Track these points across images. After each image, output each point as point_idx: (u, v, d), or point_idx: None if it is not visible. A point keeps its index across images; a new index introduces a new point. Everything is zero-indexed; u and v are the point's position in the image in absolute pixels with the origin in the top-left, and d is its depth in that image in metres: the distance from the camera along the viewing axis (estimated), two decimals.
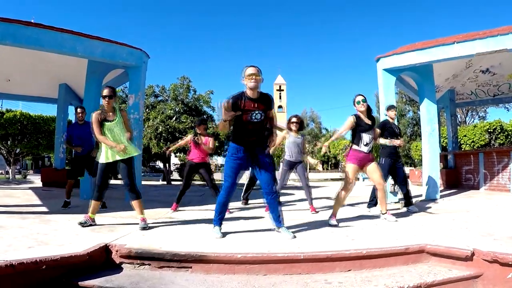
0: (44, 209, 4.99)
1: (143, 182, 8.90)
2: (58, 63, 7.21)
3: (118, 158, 3.71)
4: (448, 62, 6.79)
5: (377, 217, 4.30)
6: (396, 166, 5.07)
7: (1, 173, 22.35)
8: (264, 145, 3.40)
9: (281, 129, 5.11)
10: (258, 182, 3.64)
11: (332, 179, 21.94)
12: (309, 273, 2.54)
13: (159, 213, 4.75)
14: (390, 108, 5.27)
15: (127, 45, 6.18)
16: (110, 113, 3.75)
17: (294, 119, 5.19)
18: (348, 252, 2.63)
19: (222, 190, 3.37)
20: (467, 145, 15.66)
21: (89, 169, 5.22)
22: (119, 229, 3.48)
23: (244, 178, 6.35)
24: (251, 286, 2.30)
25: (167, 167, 16.23)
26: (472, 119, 25.45)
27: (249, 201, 5.90)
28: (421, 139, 7.16)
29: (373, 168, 4.03)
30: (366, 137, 3.95)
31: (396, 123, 5.67)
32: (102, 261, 2.65)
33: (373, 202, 4.97)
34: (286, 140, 5.19)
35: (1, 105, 22.75)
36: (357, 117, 3.98)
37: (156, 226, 3.74)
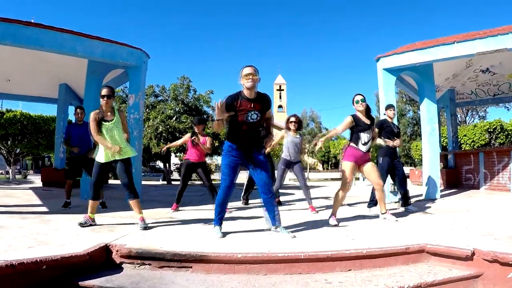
0: (44, 209, 4.99)
1: (143, 182, 8.91)
2: (58, 63, 7.22)
3: (117, 158, 3.71)
4: (448, 62, 6.78)
5: (377, 216, 4.30)
6: (395, 165, 5.07)
7: (1, 173, 22.36)
8: (260, 146, 3.39)
9: (279, 128, 5.12)
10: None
11: (332, 179, 21.94)
12: (310, 273, 2.54)
13: (160, 213, 4.75)
14: (388, 107, 5.27)
15: (127, 45, 6.19)
16: (109, 113, 3.75)
17: (292, 119, 5.20)
18: (348, 252, 2.63)
19: (220, 189, 3.36)
20: (467, 145, 15.66)
21: (86, 169, 5.20)
22: (119, 229, 3.48)
23: (244, 178, 6.38)
24: (251, 286, 2.30)
25: (167, 167, 16.23)
26: (472, 119, 25.44)
27: (249, 201, 5.89)
28: (421, 138, 7.16)
29: (370, 169, 4.02)
30: (364, 136, 3.94)
31: (396, 122, 5.67)
32: (102, 261, 2.65)
33: (373, 201, 4.96)
34: (284, 140, 5.19)
35: (1, 105, 22.76)
36: (355, 117, 3.97)
37: (156, 226, 3.74)
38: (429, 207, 5.33)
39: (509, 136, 15.56)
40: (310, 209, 4.96)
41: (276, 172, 5.57)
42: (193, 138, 5.08)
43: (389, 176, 5.29)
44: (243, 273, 2.52)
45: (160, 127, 13.00)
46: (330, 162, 44.01)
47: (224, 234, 3.24)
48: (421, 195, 6.79)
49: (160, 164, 27.34)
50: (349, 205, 5.72)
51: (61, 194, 5.28)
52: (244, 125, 3.24)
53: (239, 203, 5.82)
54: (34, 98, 10.44)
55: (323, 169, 46.27)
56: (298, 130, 5.20)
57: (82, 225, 3.57)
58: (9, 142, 15.04)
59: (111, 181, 11.79)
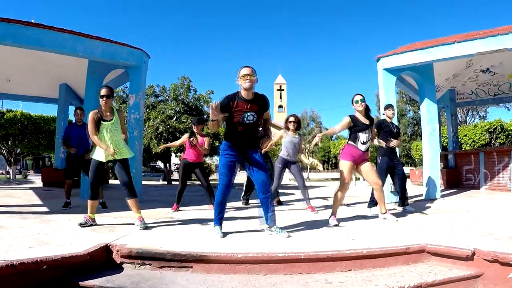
0: (44, 209, 4.99)
1: (144, 182, 8.90)
2: (58, 63, 7.22)
3: (116, 157, 3.71)
4: (449, 62, 6.78)
5: (377, 217, 4.30)
6: (394, 165, 5.06)
7: (2, 173, 22.37)
8: (257, 146, 3.39)
9: (279, 128, 5.12)
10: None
11: (333, 179, 21.94)
12: (310, 273, 2.54)
13: (160, 213, 4.75)
14: (387, 107, 5.26)
15: (127, 45, 6.19)
16: (108, 113, 3.76)
17: (291, 118, 5.20)
18: (348, 252, 2.63)
19: (218, 189, 3.36)
20: (468, 145, 15.65)
21: (84, 170, 5.19)
22: (120, 229, 3.49)
23: (243, 178, 6.38)
24: (251, 286, 2.30)
25: (168, 167, 16.22)
26: (473, 119, 25.43)
27: (250, 201, 5.89)
28: (421, 138, 7.16)
29: (368, 168, 4.01)
30: (363, 136, 3.93)
31: (396, 122, 5.66)
32: (102, 261, 2.65)
33: (373, 201, 4.95)
34: (283, 139, 5.19)
35: (2, 105, 22.77)
36: (353, 118, 3.97)
37: (156, 226, 3.74)
38: (429, 207, 5.33)
39: (510, 136, 15.55)
40: (309, 209, 4.96)
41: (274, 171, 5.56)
42: (191, 139, 5.09)
43: (389, 176, 5.29)
44: (243, 273, 2.52)
45: (161, 127, 13.00)
46: (330, 162, 44.02)
47: (225, 234, 3.24)
48: (421, 195, 6.79)
49: (160, 164, 27.33)
50: (348, 205, 5.71)
51: (62, 194, 5.29)
52: (240, 125, 3.24)
53: (239, 203, 5.82)
54: (34, 98, 10.45)
55: (323, 169, 46.29)
56: (297, 130, 5.20)
57: (82, 225, 3.57)
58: (9, 142, 15.05)
59: (111, 181, 11.79)
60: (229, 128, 3.33)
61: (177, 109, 13.76)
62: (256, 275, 2.50)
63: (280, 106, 50.60)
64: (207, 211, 4.92)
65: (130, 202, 3.73)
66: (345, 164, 3.92)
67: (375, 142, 4.54)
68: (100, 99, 3.70)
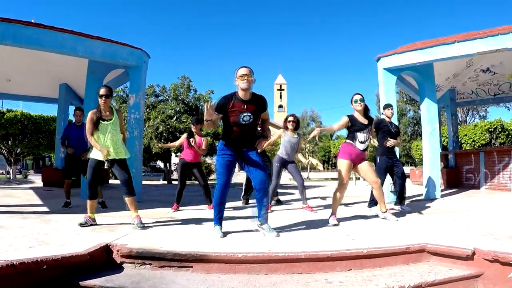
0: (44, 209, 4.99)
1: (144, 182, 8.91)
2: (59, 63, 7.22)
3: (113, 157, 3.72)
4: (449, 62, 6.78)
5: (377, 216, 4.30)
6: (393, 164, 5.05)
7: (2, 173, 22.38)
8: (253, 146, 3.38)
9: (279, 127, 5.12)
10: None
11: (333, 179, 21.92)
12: (310, 272, 2.54)
13: (160, 213, 4.76)
14: (386, 107, 5.26)
15: (128, 45, 6.19)
16: (107, 113, 3.76)
17: (290, 118, 5.19)
18: (348, 252, 2.63)
19: (216, 188, 3.36)
20: (468, 145, 15.63)
21: (83, 169, 5.19)
22: (120, 229, 3.49)
23: (242, 178, 6.38)
24: (252, 286, 2.30)
25: (168, 166, 16.22)
26: (473, 119, 25.39)
27: (250, 201, 5.89)
28: (421, 138, 7.15)
29: (366, 167, 4.00)
30: (361, 136, 3.93)
31: (396, 122, 5.66)
32: (103, 261, 2.65)
33: (373, 201, 4.95)
34: (281, 139, 5.19)
35: (2, 105, 22.79)
36: (352, 118, 3.97)
37: (157, 226, 3.74)
38: (429, 206, 5.33)
39: (510, 136, 15.54)
40: (307, 208, 4.95)
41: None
42: (190, 139, 5.09)
43: (389, 176, 5.29)
44: (243, 272, 2.52)
45: (161, 127, 13.00)
46: (330, 162, 44.00)
47: (225, 234, 3.24)
48: (421, 194, 6.79)
49: (160, 164, 27.33)
50: (346, 205, 5.69)
51: (62, 194, 5.29)
52: (236, 126, 3.24)
53: (239, 203, 5.82)
54: (34, 98, 10.46)
55: (324, 169, 46.29)
56: (296, 130, 5.20)
57: (82, 225, 3.57)
58: (9, 142, 15.06)
59: (111, 181, 11.79)
60: (226, 128, 3.33)
61: (177, 109, 13.76)
62: (256, 274, 2.50)
63: (280, 106, 50.62)
64: (207, 211, 4.92)
65: (128, 200, 3.73)
66: (343, 163, 3.91)
67: (371, 142, 4.53)
68: (99, 99, 3.70)
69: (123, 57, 6.11)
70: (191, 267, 2.56)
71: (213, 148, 12.65)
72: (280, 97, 50.95)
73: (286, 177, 18.42)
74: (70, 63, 6.87)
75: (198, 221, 4.11)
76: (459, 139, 13.58)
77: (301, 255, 2.58)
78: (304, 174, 24.92)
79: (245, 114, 3.19)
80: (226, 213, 3.68)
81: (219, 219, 3.36)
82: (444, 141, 12.57)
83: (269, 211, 4.95)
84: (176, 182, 15.54)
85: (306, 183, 5.50)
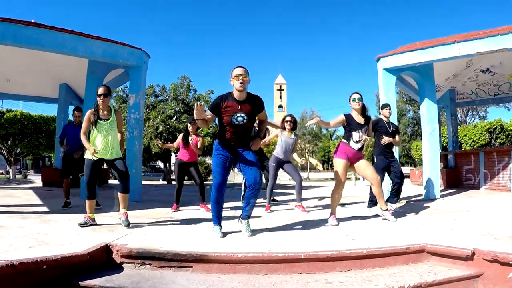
0: (44, 209, 4.99)
1: (144, 182, 8.90)
2: (59, 63, 7.22)
3: (103, 157, 3.74)
4: (449, 62, 6.78)
5: (377, 216, 4.30)
6: (391, 163, 5.04)
7: (2, 173, 22.37)
8: (248, 146, 3.38)
9: (276, 127, 5.11)
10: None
11: (332, 179, 21.93)
12: (310, 272, 2.54)
13: (160, 213, 4.75)
14: (384, 107, 5.25)
15: (128, 45, 6.19)
16: (105, 112, 3.77)
17: (288, 118, 5.19)
18: (348, 252, 2.63)
19: (212, 188, 3.36)
20: (468, 145, 15.64)
21: (80, 168, 5.17)
22: (120, 229, 3.49)
23: (242, 178, 6.37)
24: (251, 286, 2.30)
25: (168, 166, 16.22)
26: (473, 119, 25.40)
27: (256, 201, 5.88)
28: (421, 138, 7.15)
29: (364, 165, 4.00)
30: (356, 135, 3.92)
31: (396, 122, 5.65)
32: (102, 261, 2.65)
33: (373, 201, 4.95)
34: (278, 138, 5.19)
35: (2, 105, 22.78)
36: (348, 117, 3.97)
37: (156, 226, 3.74)
38: (429, 207, 5.33)
39: (510, 136, 15.54)
40: (300, 207, 4.96)
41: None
42: (186, 138, 5.10)
43: (389, 176, 5.28)
44: (243, 273, 2.52)
45: (161, 127, 13.00)
46: (330, 162, 43.97)
47: (224, 234, 3.24)
48: (421, 195, 6.79)
49: (160, 164, 27.34)
50: (342, 205, 5.66)
51: (61, 194, 5.29)
52: (230, 126, 3.24)
53: (239, 203, 5.82)
54: (34, 98, 10.46)
55: (323, 169, 46.32)
56: (293, 130, 5.19)
57: (82, 225, 3.57)
58: (9, 142, 15.06)
59: (111, 181, 11.79)
60: (221, 128, 3.35)
61: (177, 109, 13.76)
62: (256, 275, 2.50)
63: (280, 106, 50.64)
64: (207, 211, 4.92)
65: (121, 196, 3.76)
66: (339, 162, 3.91)
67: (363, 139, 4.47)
68: (98, 98, 3.71)
69: (123, 57, 6.11)
70: (191, 267, 2.56)
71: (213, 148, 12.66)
72: (280, 97, 50.96)
73: (286, 177, 18.41)
74: (70, 63, 6.87)
75: (198, 221, 4.11)
76: (459, 139, 13.59)
77: (301, 255, 2.58)
78: (304, 174, 24.92)
79: (238, 115, 3.18)
80: (226, 213, 3.68)
81: (218, 218, 3.36)
82: (444, 141, 12.59)
83: (268, 211, 4.97)
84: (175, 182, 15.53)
85: (305, 183, 5.50)
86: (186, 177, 5.61)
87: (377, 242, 2.90)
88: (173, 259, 2.58)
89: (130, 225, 3.63)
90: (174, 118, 13.47)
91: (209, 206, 3.73)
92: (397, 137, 5.09)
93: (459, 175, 9.16)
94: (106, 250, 2.71)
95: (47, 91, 9.65)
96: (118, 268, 2.59)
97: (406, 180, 5.29)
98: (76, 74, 7.63)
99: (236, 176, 18.55)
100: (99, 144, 3.70)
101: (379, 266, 2.64)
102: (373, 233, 3.36)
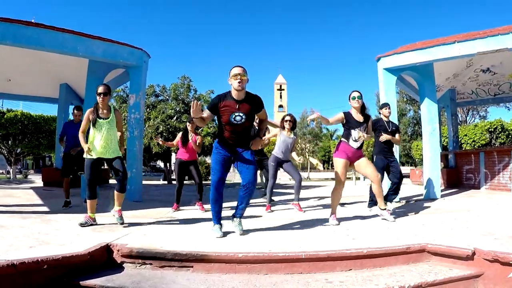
0: (45, 208, 4.99)
1: (144, 182, 8.90)
2: (59, 63, 7.22)
3: (101, 156, 3.75)
4: (449, 62, 6.78)
5: (377, 216, 4.30)
6: (390, 163, 5.03)
7: (2, 172, 22.39)
8: (247, 145, 3.39)
9: (276, 126, 5.10)
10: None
11: (333, 179, 21.94)
12: (310, 272, 2.54)
13: (160, 213, 4.75)
14: (383, 106, 5.25)
15: (128, 45, 6.19)
16: (105, 111, 3.78)
17: (287, 118, 5.18)
18: (349, 252, 2.63)
19: (211, 185, 3.36)
20: (468, 145, 15.63)
21: (80, 167, 5.18)
22: (120, 229, 3.49)
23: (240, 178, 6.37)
24: (252, 286, 2.30)
25: (168, 166, 16.22)
26: (473, 119, 25.38)
27: (250, 201, 5.88)
28: (421, 138, 7.15)
29: (364, 163, 3.99)
30: (355, 133, 3.92)
31: (396, 122, 5.64)
32: (103, 260, 2.65)
33: (373, 201, 4.94)
34: (277, 138, 5.19)
35: (2, 105, 22.80)
36: (347, 115, 3.97)
37: (157, 226, 3.74)
38: (430, 206, 5.33)
39: (510, 136, 15.53)
40: (296, 206, 4.97)
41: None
42: (185, 135, 5.11)
43: (388, 176, 5.27)
44: (244, 272, 2.52)
45: (161, 126, 13.02)
46: (330, 162, 43.97)
47: (225, 234, 3.24)
48: (421, 194, 6.79)
49: (160, 163, 27.33)
50: (342, 205, 5.66)
51: (62, 194, 5.29)
52: (228, 125, 3.24)
53: None
54: (34, 98, 10.47)
55: (324, 168, 46.33)
56: (292, 130, 5.19)
57: (82, 225, 3.58)
58: (9, 142, 15.08)
59: (111, 181, 11.79)
60: (220, 127, 3.36)
61: (177, 109, 13.77)
62: (256, 274, 2.50)
63: (281, 106, 50.62)
64: (207, 210, 4.91)
65: (117, 195, 3.80)
66: (338, 162, 3.91)
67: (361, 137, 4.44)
68: (98, 97, 3.72)
69: (123, 57, 6.12)
70: (192, 267, 2.56)
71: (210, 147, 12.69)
72: (280, 97, 50.94)
73: (286, 177, 18.41)
74: (70, 63, 6.87)
75: (199, 220, 4.11)
76: (459, 139, 13.58)
77: (301, 255, 2.58)
78: (304, 174, 24.91)
79: (236, 114, 3.18)
80: (226, 213, 3.68)
81: (217, 217, 3.36)
82: (444, 141, 12.58)
83: (268, 211, 4.97)
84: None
85: (306, 183, 5.50)
86: (186, 177, 5.61)
87: (377, 242, 2.90)
88: (173, 259, 2.58)
89: (129, 224, 3.64)
90: (175, 118, 13.48)
91: (205, 206, 3.73)
92: (397, 136, 5.08)
93: (459, 175, 9.15)
94: (106, 250, 2.71)
95: (48, 91, 9.65)
96: (118, 268, 2.59)
97: (406, 180, 5.28)
98: (76, 74, 7.63)
99: (236, 176, 18.55)
100: (98, 142, 3.70)
101: (379, 265, 2.64)
102: (373, 232, 3.36)
